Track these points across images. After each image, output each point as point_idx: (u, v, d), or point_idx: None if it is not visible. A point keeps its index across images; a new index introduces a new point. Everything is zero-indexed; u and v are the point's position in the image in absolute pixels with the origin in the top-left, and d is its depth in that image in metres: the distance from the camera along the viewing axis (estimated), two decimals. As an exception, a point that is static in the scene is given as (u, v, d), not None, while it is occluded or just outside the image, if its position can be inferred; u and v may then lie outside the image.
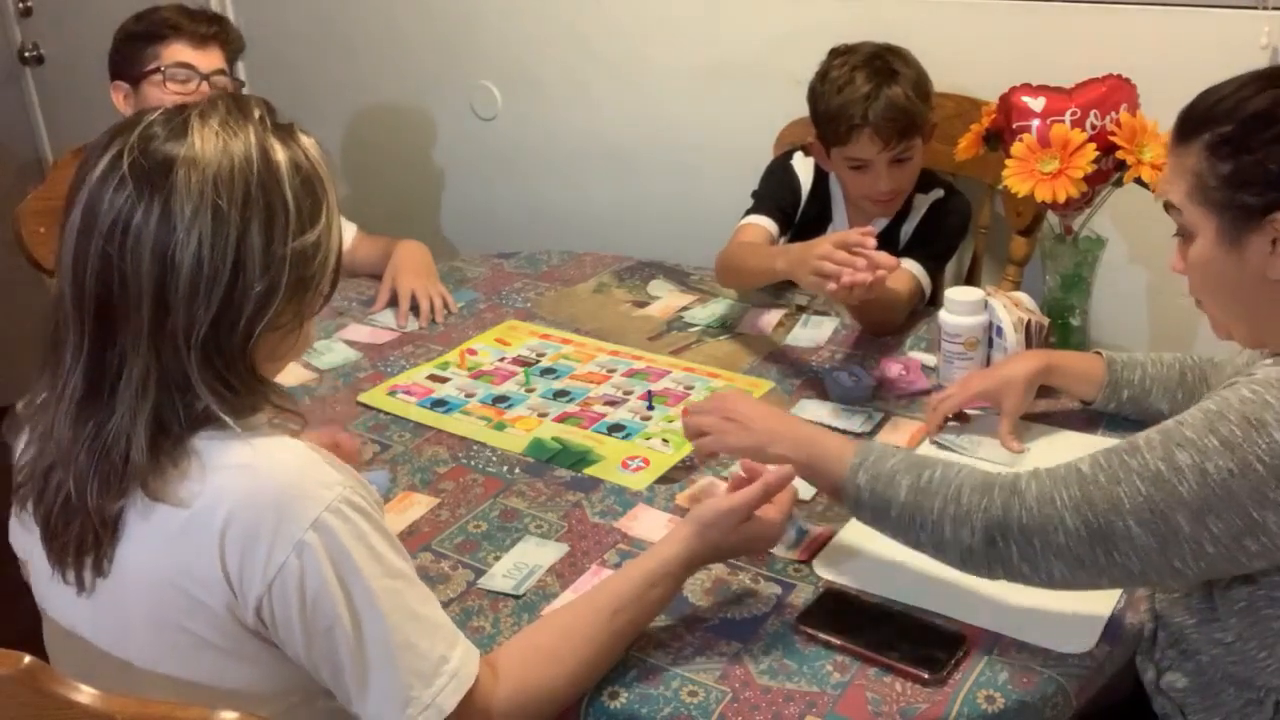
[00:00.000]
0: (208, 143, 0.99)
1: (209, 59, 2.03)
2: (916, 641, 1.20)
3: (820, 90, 1.89)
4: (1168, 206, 1.19)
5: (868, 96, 1.82)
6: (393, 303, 2.10)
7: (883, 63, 1.85)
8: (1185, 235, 1.18)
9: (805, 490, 1.41)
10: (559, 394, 1.77)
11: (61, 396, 1.01)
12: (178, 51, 2.01)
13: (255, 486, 0.99)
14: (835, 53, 1.91)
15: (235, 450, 1.00)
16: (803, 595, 1.29)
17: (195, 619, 1.01)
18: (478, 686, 1.05)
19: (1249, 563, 1.06)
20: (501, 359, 1.89)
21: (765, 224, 2.01)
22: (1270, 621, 1.12)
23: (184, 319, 0.98)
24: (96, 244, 0.98)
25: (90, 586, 1.04)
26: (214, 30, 2.04)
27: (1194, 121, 1.15)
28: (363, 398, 1.78)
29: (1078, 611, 1.24)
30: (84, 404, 1.00)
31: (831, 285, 1.59)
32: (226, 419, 1.00)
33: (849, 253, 1.59)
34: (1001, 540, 1.13)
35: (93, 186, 0.99)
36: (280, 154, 1.01)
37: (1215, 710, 1.19)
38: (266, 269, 0.99)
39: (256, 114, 1.03)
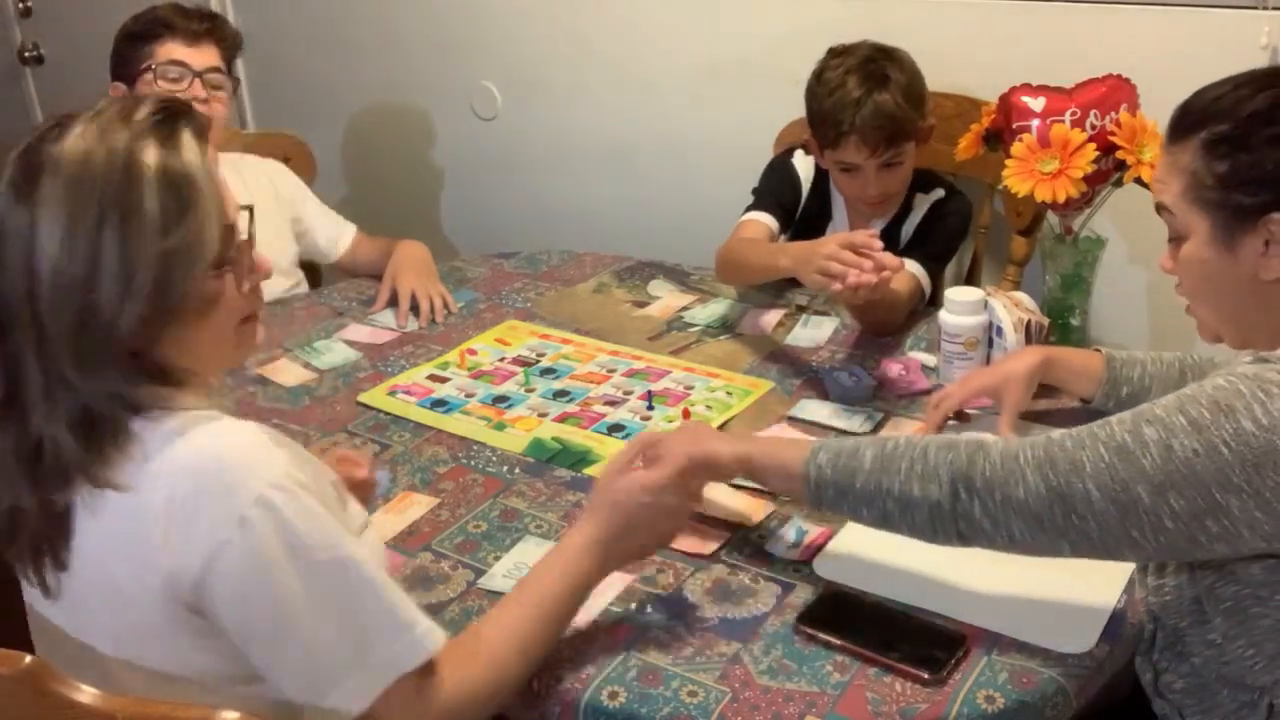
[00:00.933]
0: (75, 146, 0.99)
1: (203, 56, 2.02)
2: (916, 641, 1.20)
3: (814, 91, 1.89)
4: (1159, 209, 1.19)
5: (857, 102, 1.81)
6: (393, 303, 2.10)
7: (876, 67, 1.84)
8: (1176, 236, 1.18)
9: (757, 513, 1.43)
10: (559, 394, 1.77)
11: None
12: (171, 49, 2.00)
13: (196, 465, 0.99)
14: (833, 53, 1.90)
15: (174, 432, 1.01)
16: (803, 595, 1.29)
17: (142, 604, 1.01)
18: (426, 676, 1.04)
19: (1209, 544, 1.06)
20: (501, 359, 1.89)
21: (766, 220, 2.01)
22: (1257, 620, 1.12)
23: (53, 325, 0.98)
24: None
25: (56, 587, 1.05)
26: (206, 27, 2.03)
27: (1190, 119, 1.15)
28: (363, 398, 1.78)
29: (1078, 611, 1.24)
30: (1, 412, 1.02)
31: (837, 285, 1.60)
32: (154, 407, 1.01)
33: (855, 253, 1.60)
34: (965, 492, 1.13)
35: None
36: (150, 155, 1.00)
37: (1212, 712, 1.19)
38: (124, 273, 0.98)
39: (142, 114, 1.02)
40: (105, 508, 1.01)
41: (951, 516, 1.14)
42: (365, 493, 1.46)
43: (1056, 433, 1.13)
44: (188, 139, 1.03)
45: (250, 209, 1.12)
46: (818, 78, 1.89)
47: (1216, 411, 1.04)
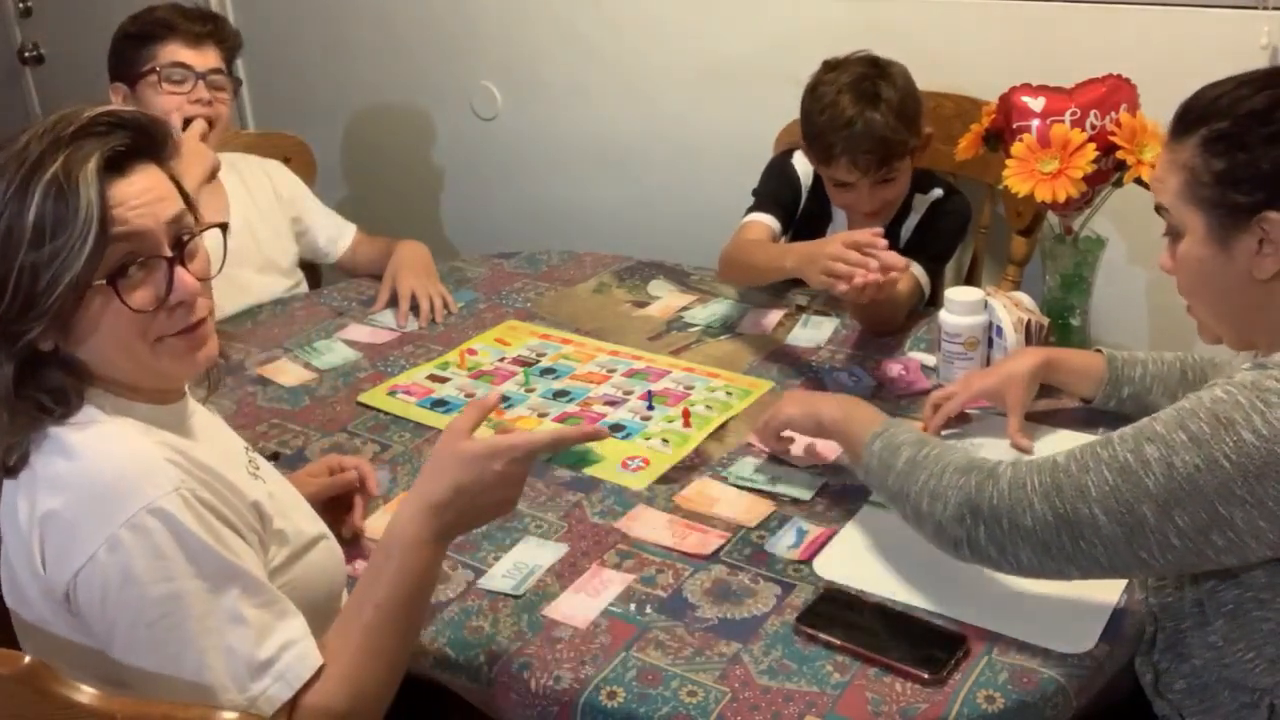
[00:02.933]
0: (10, 146, 1.01)
1: (204, 58, 2.02)
2: (916, 641, 1.20)
3: (808, 107, 1.88)
4: (1158, 208, 1.19)
5: (849, 123, 1.79)
6: (393, 303, 2.10)
7: (869, 85, 1.82)
8: (1174, 235, 1.18)
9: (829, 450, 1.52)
10: (559, 394, 1.77)
11: None
12: (173, 51, 2.00)
13: (78, 478, 1.02)
14: (827, 66, 1.89)
15: (59, 437, 1.03)
16: (803, 595, 1.29)
17: (30, 593, 1.05)
18: (308, 694, 1.04)
19: (1217, 558, 1.07)
20: (501, 359, 1.89)
21: (767, 221, 2.01)
22: (1259, 623, 1.12)
23: None
24: None
25: None
26: (208, 29, 2.03)
27: (1191, 117, 1.15)
28: (363, 398, 1.78)
29: (1078, 611, 1.24)
30: None
31: (842, 286, 1.60)
32: (52, 411, 1.04)
33: (860, 253, 1.60)
34: (970, 519, 1.15)
35: None
36: (48, 168, 0.99)
37: (1212, 713, 1.19)
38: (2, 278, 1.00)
39: (74, 127, 1.01)
40: (7, 497, 1.05)
41: (951, 538, 1.18)
42: (367, 497, 1.45)
43: (1061, 456, 1.14)
44: (91, 159, 1.00)
45: (224, 226, 1.13)
46: (811, 91, 1.88)
47: (1216, 425, 1.04)
